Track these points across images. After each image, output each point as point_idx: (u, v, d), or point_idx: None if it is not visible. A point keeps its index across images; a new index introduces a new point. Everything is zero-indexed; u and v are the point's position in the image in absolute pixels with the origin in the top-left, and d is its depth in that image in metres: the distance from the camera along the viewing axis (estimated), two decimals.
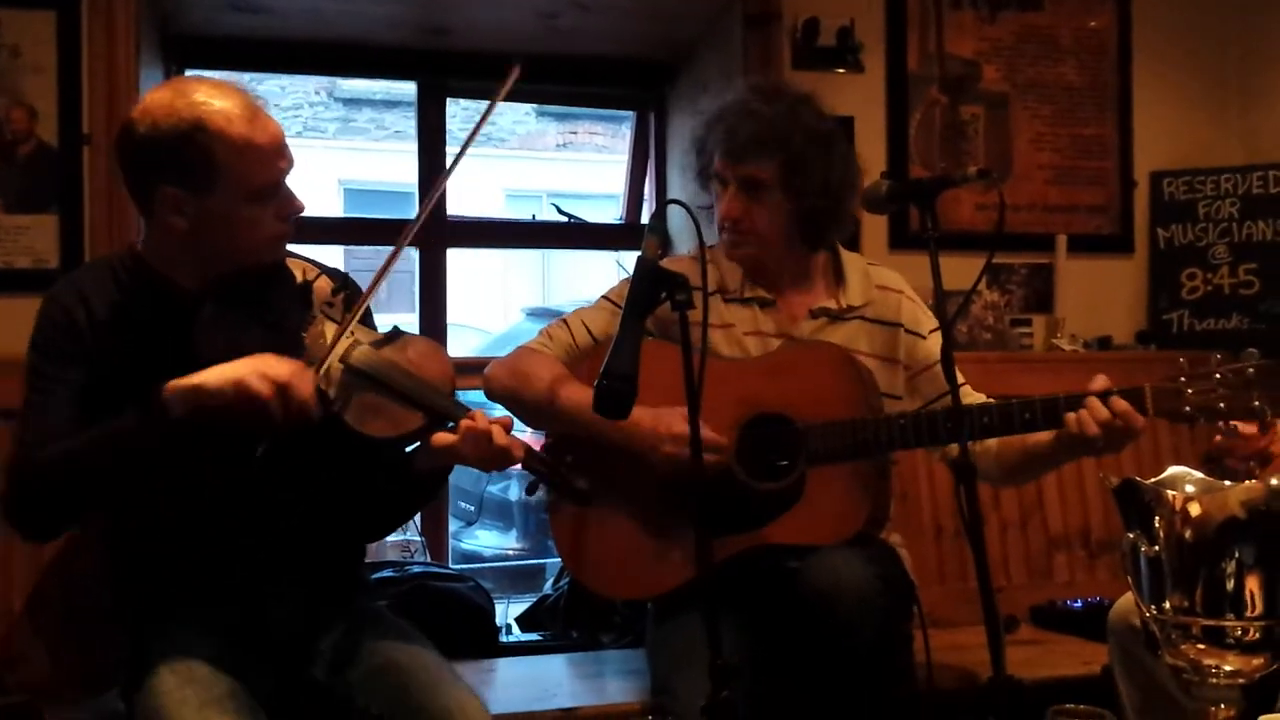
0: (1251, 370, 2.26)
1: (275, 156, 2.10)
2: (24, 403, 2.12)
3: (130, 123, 2.06)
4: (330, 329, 2.14)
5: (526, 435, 2.27)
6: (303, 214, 2.18)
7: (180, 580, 2.20)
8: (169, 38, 3.68)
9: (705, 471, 2.00)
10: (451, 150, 4.13)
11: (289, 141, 2.14)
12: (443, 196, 4.05)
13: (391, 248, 2.23)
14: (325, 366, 2.07)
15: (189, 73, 3.78)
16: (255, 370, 1.96)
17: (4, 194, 3.13)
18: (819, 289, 2.73)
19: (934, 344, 2.60)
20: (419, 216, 2.25)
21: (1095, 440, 2.34)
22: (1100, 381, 2.37)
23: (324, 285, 2.23)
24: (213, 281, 2.12)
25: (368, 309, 2.29)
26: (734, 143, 2.61)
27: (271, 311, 2.13)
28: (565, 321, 2.71)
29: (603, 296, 2.75)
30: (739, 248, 2.65)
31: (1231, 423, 2.29)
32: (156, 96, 2.07)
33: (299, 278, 2.22)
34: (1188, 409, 2.30)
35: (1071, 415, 2.35)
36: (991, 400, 2.53)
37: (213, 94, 2.06)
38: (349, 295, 2.23)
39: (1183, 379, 2.31)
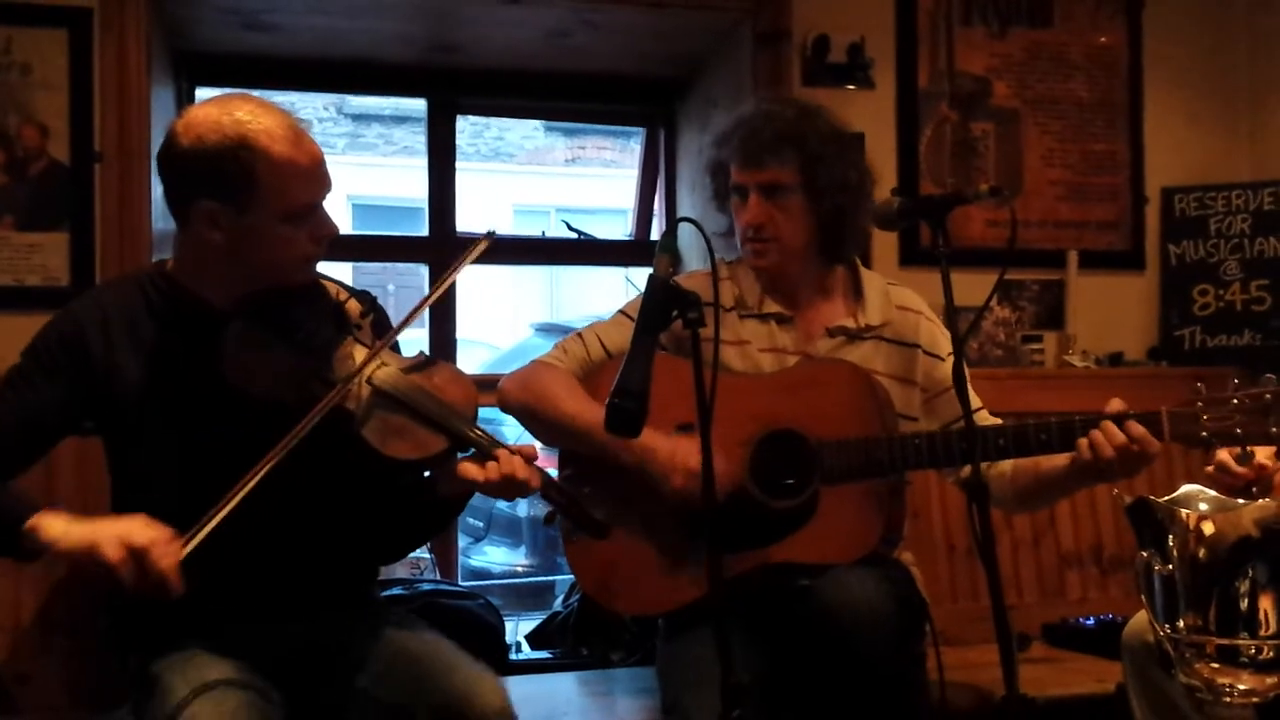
0: (1269, 396, 2.25)
1: (315, 178, 2.12)
2: None
3: (174, 135, 2.07)
4: (359, 351, 2.15)
5: (540, 453, 2.27)
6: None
7: (191, 598, 2.20)
8: (180, 55, 3.69)
9: (717, 493, 1.99)
10: (461, 165, 4.14)
11: None
12: (452, 213, 4.07)
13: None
14: (339, 398, 2.07)
15: (200, 90, 3.79)
16: (115, 535, 1.93)
17: (15, 212, 3.13)
18: (838, 306, 2.72)
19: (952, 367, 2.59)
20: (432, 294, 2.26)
21: (1110, 465, 2.32)
22: (1116, 404, 2.37)
23: (353, 307, 2.24)
24: (242, 299, 2.13)
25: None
26: (752, 147, 2.60)
27: (300, 331, 2.14)
28: (580, 335, 2.71)
29: (619, 311, 2.74)
30: (763, 257, 2.64)
31: (1248, 448, 2.28)
32: (202, 111, 2.09)
33: (331, 299, 2.23)
34: (1204, 434, 2.29)
35: (1084, 440, 2.34)
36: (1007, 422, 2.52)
37: (258, 112, 2.07)
38: (376, 318, 2.25)
39: (1200, 404, 2.30)
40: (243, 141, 2.04)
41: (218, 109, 2.08)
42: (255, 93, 2.20)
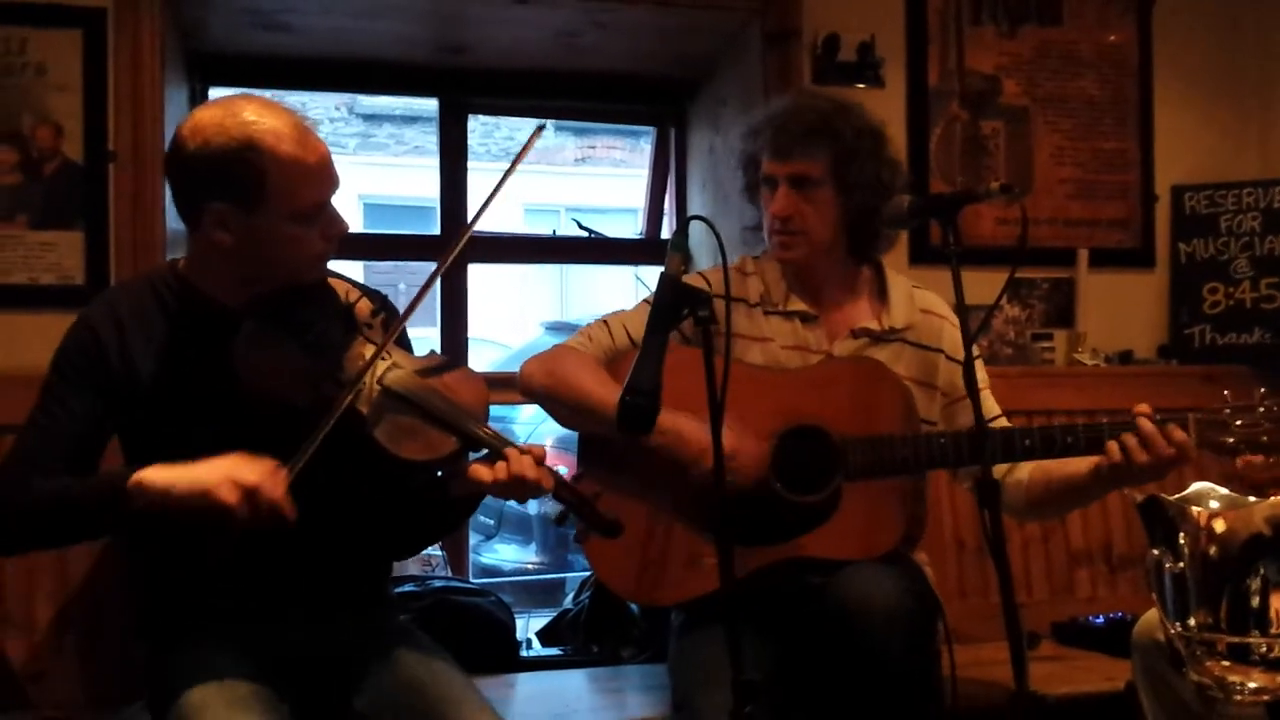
0: None
1: (322, 177, 2.11)
2: (28, 419, 2.15)
3: (180, 139, 2.07)
4: (370, 351, 2.15)
5: (550, 452, 2.27)
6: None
7: (205, 597, 2.21)
8: (194, 55, 3.70)
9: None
10: (471, 164, 4.15)
11: None
12: (464, 212, 4.07)
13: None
14: (353, 399, 2.07)
15: (213, 90, 3.80)
16: (225, 477, 1.94)
17: (30, 211, 3.14)
18: (863, 307, 2.71)
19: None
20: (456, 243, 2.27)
21: (1142, 468, 2.33)
22: (1143, 410, 2.36)
23: (364, 306, 2.24)
24: (253, 299, 2.14)
25: (405, 334, 2.31)
26: (783, 139, 2.60)
27: (311, 331, 2.14)
28: (606, 322, 2.70)
29: (644, 300, 2.73)
30: (789, 249, 2.63)
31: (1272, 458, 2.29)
32: (207, 114, 2.08)
33: (342, 299, 2.23)
34: (1230, 440, 2.30)
35: (1114, 443, 2.34)
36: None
37: (263, 113, 2.07)
38: (387, 317, 2.25)
39: (1228, 410, 2.31)
40: (249, 142, 2.03)
41: (222, 111, 2.07)
42: (267, 93, 2.19)
